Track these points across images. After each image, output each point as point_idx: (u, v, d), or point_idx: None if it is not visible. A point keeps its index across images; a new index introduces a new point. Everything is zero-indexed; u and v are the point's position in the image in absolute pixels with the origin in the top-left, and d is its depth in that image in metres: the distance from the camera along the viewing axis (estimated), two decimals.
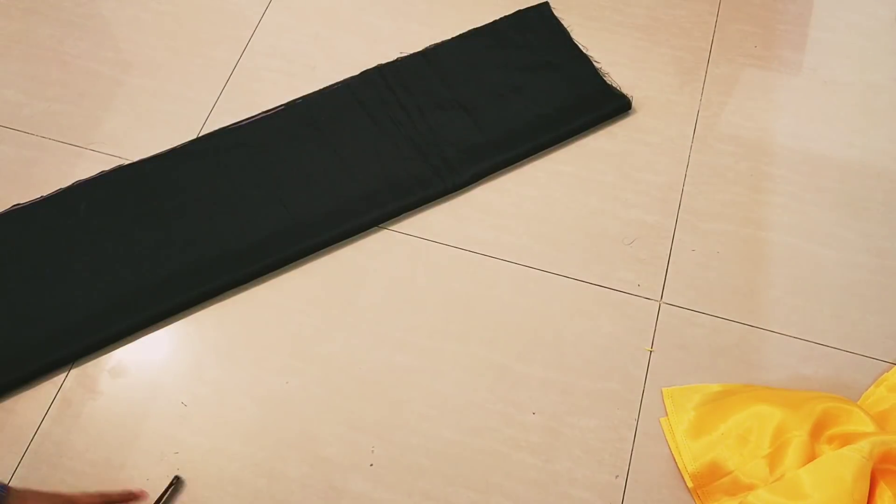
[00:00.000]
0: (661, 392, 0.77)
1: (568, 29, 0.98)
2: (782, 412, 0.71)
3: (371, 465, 0.74)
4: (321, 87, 0.94)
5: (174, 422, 0.75)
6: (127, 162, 0.88)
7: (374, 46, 0.98)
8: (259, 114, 0.91)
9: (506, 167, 0.89)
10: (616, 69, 0.96)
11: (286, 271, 0.83)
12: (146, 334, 0.80)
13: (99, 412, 0.76)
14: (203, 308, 0.81)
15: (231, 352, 0.79)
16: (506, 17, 0.99)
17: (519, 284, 0.83)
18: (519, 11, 0.99)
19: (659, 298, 0.82)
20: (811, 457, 0.68)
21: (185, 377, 0.78)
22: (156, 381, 0.77)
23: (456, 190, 0.87)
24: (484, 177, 0.88)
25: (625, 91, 0.93)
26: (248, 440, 0.75)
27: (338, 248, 0.85)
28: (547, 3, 1.00)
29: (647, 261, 0.84)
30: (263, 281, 0.83)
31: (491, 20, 0.99)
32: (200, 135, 0.90)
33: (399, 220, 0.86)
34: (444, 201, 0.87)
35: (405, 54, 0.96)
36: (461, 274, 0.83)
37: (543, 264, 0.84)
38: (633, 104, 0.93)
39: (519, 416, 0.76)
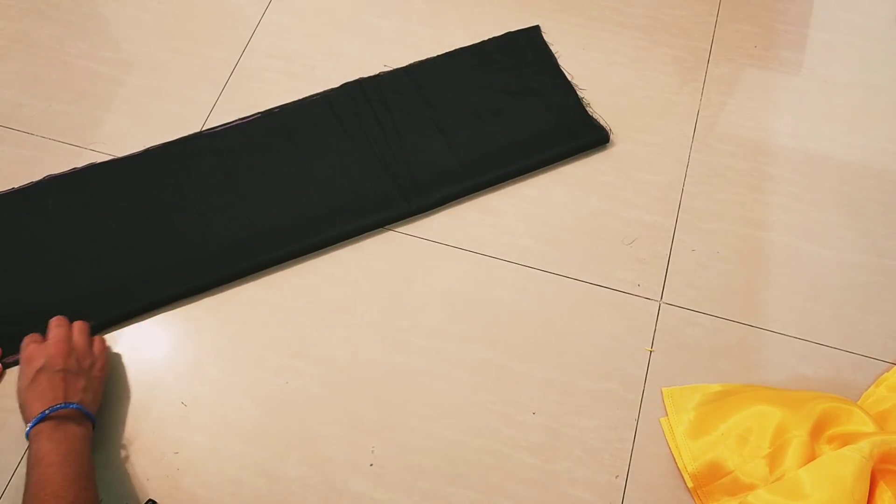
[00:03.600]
0: (661, 392, 0.77)
1: (556, 54, 0.96)
2: (782, 412, 0.71)
3: (371, 465, 0.74)
4: (321, 87, 0.94)
5: (174, 422, 0.75)
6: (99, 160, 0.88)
7: (374, 46, 0.98)
8: (235, 120, 0.91)
9: (475, 192, 0.87)
10: (616, 69, 0.96)
11: (286, 272, 0.83)
12: (145, 334, 0.80)
13: (98, 411, 0.76)
14: (203, 308, 0.81)
15: (231, 352, 0.79)
16: (494, 38, 0.97)
17: (519, 284, 0.83)
18: (508, 34, 0.98)
19: (659, 298, 0.82)
20: (811, 457, 0.68)
21: (185, 377, 0.78)
22: (156, 381, 0.77)
23: (420, 213, 0.86)
24: (451, 201, 0.86)
25: (623, 90, 0.93)
26: (248, 440, 0.75)
27: (338, 247, 0.85)
28: (537, 27, 0.98)
29: (647, 261, 0.84)
30: (264, 281, 0.83)
31: (492, 20, 0.99)
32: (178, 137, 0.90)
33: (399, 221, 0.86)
34: None
35: (389, 69, 0.95)
36: (461, 274, 0.83)
37: (543, 264, 0.84)
38: (633, 104, 0.93)
39: (519, 416, 0.76)
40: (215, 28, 1.00)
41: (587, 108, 0.92)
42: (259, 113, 0.91)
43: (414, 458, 0.74)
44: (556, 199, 0.88)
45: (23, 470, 0.73)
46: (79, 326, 0.75)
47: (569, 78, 0.94)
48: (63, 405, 0.66)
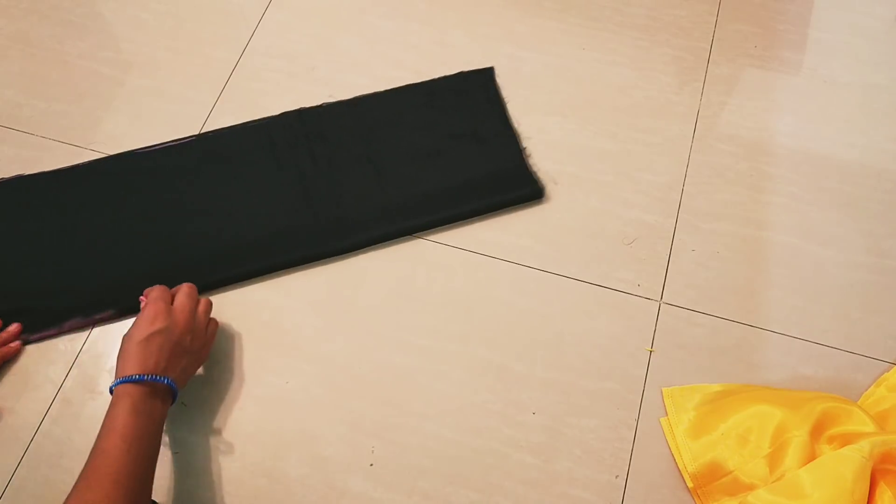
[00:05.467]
0: (661, 392, 0.77)
1: (507, 99, 0.92)
2: (782, 412, 0.71)
3: (371, 465, 0.74)
4: (321, 87, 0.94)
5: (175, 422, 0.75)
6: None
7: (374, 46, 0.98)
8: (170, 141, 0.89)
9: (399, 237, 0.84)
10: (616, 69, 0.96)
11: (287, 272, 0.83)
12: None
13: (99, 412, 0.75)
14: None
15: (231, 352, 0.79)
16: (446, 77, 0.94)
17: (519, 284, 0.83)
18: (461, 73, 0.94)
19: (659, 298, 0.82)
20: (811, 457, 0.68)
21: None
22: None
23: (335, 255, 0.83)
24: (370, 245, 0.84)
25: (623, 90, 0.93)
26: (247, 440, 0.75)
27: None
28: (491, 69, 0.95)
29: (647, 261, 0.84)
30: (263, 281, 0.82)
31: (492, 20, 0.99)
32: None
33: None
34: None
35: (333, 100, 0.92)
36: (461, 274, 0.83)
37: (543, 264, 0.84)
38: (633, 104, 0.93)
39: (519, 416, 0.76)
40: (215, 28, 1.00)
41: (527, 160, 0.88)
42: (194, 136, 0.90)
43: (414, 458, 0.74)
44: (556, 198, 0.88)
45: (23, 471, 0.73)
46: (205, 304, 0.74)
47: (514, 125, 0.91)
48: (161, 378, 0.65)
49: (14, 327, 0.78)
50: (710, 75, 0.96)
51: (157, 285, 0.73)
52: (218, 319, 0.77)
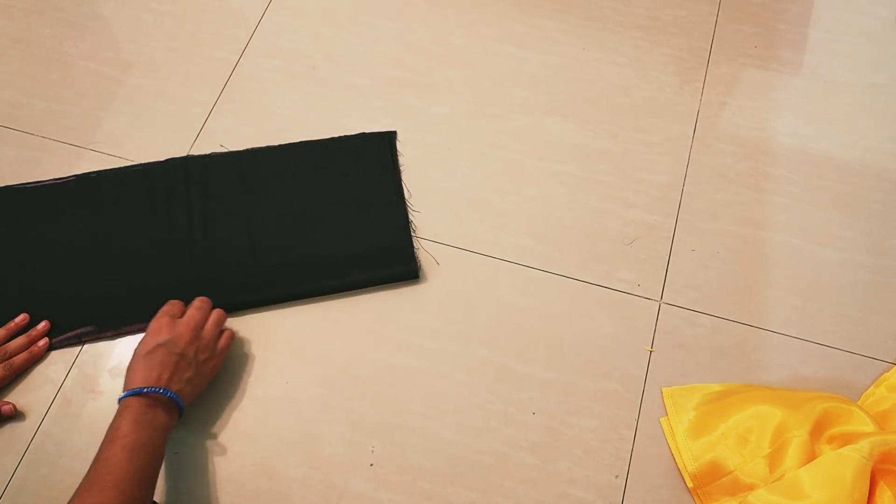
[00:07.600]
0: (661, 392, 0.77)
1: (402, 167, 0.89)
2: (782, 412, 0.71)
3: (371, 465, 0.74)
4: (321, 87, 0.94)
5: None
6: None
7: (374, 46, 0.98)
8: (47, 180, 0.86)
9: (258, 307, 0.81)
10: (616, 69, 0.96)
11: None
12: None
13: (99, 412, 0.76)
14: None
15: (231, 352, 0.79)
16: (345, 137, 0.89)
17: (519, 284, 0.83)
18: (362, 135, 0.89)
19: (659, 298, 0.82)
20: (811, 457, 0.68)
21: None
22: None
23: None
24: (230, 313, 0.79)
25: (623, 90, 0.93)
26: (248, 440, 0.75)
27: None
28: (393, 133, 0.90)
29: (647, 261, 0.84)
30: None
31: (492, 20, 0.99)
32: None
33: None
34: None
35: (224, 150, 0.89)
36: (461, 274, 0.83)
37: (543, 264, 0.84)
38: (633, 104, 0.93)
39: (519, 416, 0.76)
40: (215, 28, 1.00)
41: (412, 234, 0.84)
42: (73, 176, 0.87)
43: (414, 458, 0.74)
44: (556, 199, 0.88)
45: (22, 471, 0.73)
46: (215, 317, 0.75)
47: (406, 196, 0.86)
48: (162, 390, 0.66)
49: (43, 325, 0.78)
50: (710, 75, 0.96)
51: (172, 300, 0.75)
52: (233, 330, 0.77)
